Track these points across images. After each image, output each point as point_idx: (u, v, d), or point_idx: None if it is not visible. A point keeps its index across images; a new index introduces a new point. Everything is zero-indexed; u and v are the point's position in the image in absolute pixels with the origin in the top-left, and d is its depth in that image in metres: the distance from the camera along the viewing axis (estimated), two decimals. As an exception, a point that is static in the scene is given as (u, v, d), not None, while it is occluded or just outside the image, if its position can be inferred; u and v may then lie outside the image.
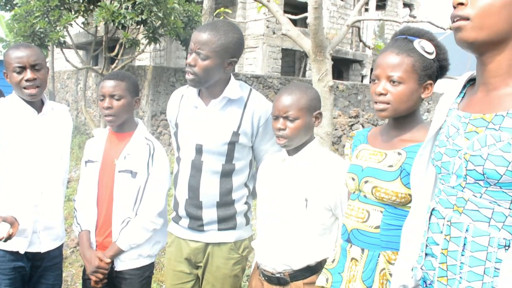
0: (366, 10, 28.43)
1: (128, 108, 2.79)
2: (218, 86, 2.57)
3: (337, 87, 18.32)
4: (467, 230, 1.51)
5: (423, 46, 1.97)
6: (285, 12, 5.21)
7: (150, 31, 12.19)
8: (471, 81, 1.71)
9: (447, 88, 1.76)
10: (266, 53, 22.45)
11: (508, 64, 1.52)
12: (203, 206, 2.61)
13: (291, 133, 2.30)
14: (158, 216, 2.76)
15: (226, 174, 2.60)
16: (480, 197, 1.50)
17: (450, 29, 1.89)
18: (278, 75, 21.14)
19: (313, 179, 2.31)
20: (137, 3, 11.14)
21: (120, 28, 11.85)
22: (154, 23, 11.93)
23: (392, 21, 5.31)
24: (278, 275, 2.38)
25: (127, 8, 11.37)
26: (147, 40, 12.59)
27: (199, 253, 2.69)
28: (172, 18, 11.93)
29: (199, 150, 2.59)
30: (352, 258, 2.07)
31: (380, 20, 6.05)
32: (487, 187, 1.48)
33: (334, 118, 9.84)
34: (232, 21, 6.75)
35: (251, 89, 2.68)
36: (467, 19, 1.49)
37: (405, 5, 31.06)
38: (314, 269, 2.33)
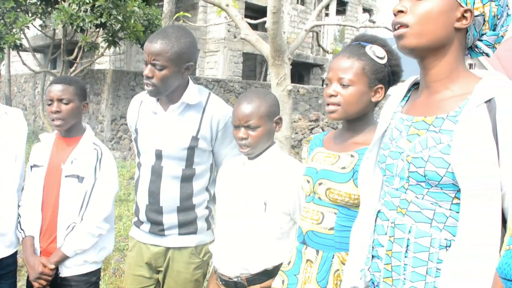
0: (327, 15, 28.75)
1: (77, 112, 2.78)
2: (176, 92, 2.57)
3: (298, 91, 18.46)
4: (410, 232, 1.55)
5: (374, 51, 2.03)
6: (246, 16, 5.26)
7: (110, 34, 12.08)
8: (416, 85, 1.77)
9: (393, 92, 1.82)
10: (227, 57, 22.46)
11: (449, 69, 1.59)
12: (164, 211, 2.61)
13: (253, 141, 2.32)
14: (104, 221, 2.75)
15: (187, 179, 2.60)
16: (422, 198, 1.54)
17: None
18: (239, 79, 21.18)
19: (272, 183, 2.34)
20: (96, 6, 11.03)
21: (78, 31, 11.71)
22: (113, 26, 11.82)
23: (349, 26, 5.39)
24: (236, 279, 2.38)
25: (86, 11, 11.24)
26: (107, 44, 12.47)
27: (159, 258, 2.68)
28: (132, 21, 11.84)
29: (158, 155, 2.59)
30: (307, 260, 2.10)
31: (337, 25, 6.15)
32: (428, 189, 1.53)
33: (294, 121, 9.91)
34: (193, 25, 6.76)
35: (209, 94, 2.69)
36: (407, 26, 1.55)
37: (365, 10, 31.56)
38: (271, 273, 2.34)
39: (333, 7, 28.56)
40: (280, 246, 2.35)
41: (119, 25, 11.81)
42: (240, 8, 22.29)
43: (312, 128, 9.68)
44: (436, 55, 1.58)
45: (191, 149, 2.56)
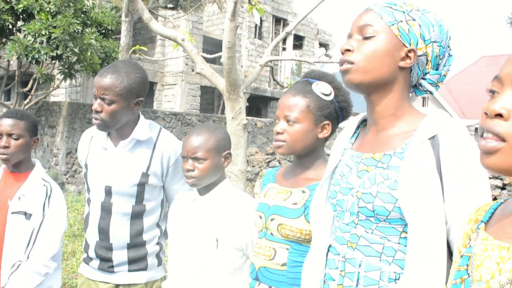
0: (284, 49, 29.18)
1: (26, 148, 2.73)
2: (127, 127, 2.56)
3: (256, 124, 18.58)
4: (360, 265, 1.57)
5: (320, 88, 2.06)
6: (204, 50, 5.28)
7: (66, 66, 11.97)
8: (364, 122, 1.81)
9: (344, 126, 1.86)
10: (185, 90, 22.49)
11: (395, 107, 1.64)
12: (114, 248, 2.56)
13: (199, 174, 2.31)
14: (51, 260, 2.68)
15: (137, 215, 2.57)
16: (372, 233, 1.56)
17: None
18: (197, 112, 21.21)
19: (224, 219, 2.33)
20: (52, 38, 10.94)
21: (34, 62, 11.56)
22: (70, 58, 11.73)
23: (304, 62, 5.48)
24: None
25: (41, 43, 11.14)
26: (63, 76, 12.34)
27: None
28: (89, 53, 11.78)
29: (108, 191, 2.56)
30: None
31: (292, 60, 6.23)
32: (377, 223, 1.55)
33: (251, 155, 9.93)
34: (150, 58, 6.76)
35: (160, 129, 2.69)
36: (353, 63, 1.60)
37: (321, 45, 32.20)
38: None
39: (290, 41, 29.04)
40: (233, 282, 2.33)
41: (76, 57, 11.74)
42: (198, 42, 22.50)
43: (269, 161, 9.72)
44: (382, 92, 1.63)
45: (141, 186, 2.54)
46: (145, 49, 6.22)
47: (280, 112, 2.08)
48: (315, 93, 2.05)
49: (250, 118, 19.26)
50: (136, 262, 2.59)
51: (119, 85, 2.41)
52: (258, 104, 27.62)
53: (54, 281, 2.78)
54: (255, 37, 27.51)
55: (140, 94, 2.51)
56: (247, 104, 23.37)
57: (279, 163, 9.68)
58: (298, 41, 30.65)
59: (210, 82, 4.74)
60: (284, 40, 28.65)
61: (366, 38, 1.60)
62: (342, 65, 1.63)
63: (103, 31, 13.44)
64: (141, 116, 2.64)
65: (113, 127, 2.50)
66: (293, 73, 32.77)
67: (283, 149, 2.07)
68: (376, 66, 1.58)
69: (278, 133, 2.07)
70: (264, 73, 25.14)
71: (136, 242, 2.58)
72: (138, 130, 2.56)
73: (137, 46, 6.06)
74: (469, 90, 36.09)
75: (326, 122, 2.07)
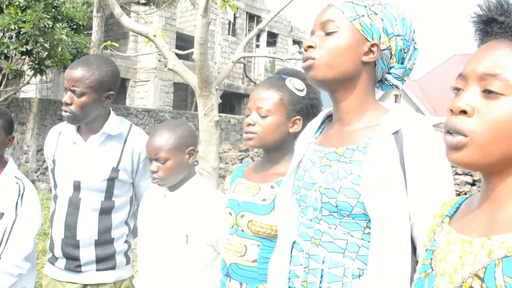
0: (258, 46, 29.20)
1: (1, 146, 2.66)
2: (97, 122, 2.53)
3: (229, 121, 18.55)
4: (323, 262, 1.56)
5: (294, 83, 2.07)
6: (177, 46, 5.24)
7: (36, 62, 11.79)
8: (330, 117, 1.82)
9: (309, 123, 1.87)
10: (158, 86, 22.36)
11: (359, 101, 1.64)
12: (81, 246, 2.52)
13: (164, 174, 2.31)
14: (24, 260, 2.60)
15: (105, 211, 2.54)
16: (335, 228, 1.56)
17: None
18: (170, 109, 21.10)
19: (194, 215, 2.32)
20: (22, 33, 10.77)
21: (3, 58, 11.36)
22: (40, 54, 11.56)
23: (277, 58, 5.48)
24: None
25: (10, 38, 10.95)
26: (33, 72, 12.16)
27: None
28: (60, 49, 11.63)
29: (77, 186, 2.52)
30: None
31: (264, 57, 6.24)
32: (341, 219, 1.54)
33: (224, 152, 9.92)
34: (122, 54, 6.71)
35: (131, 125, 2.67)
36: (315, 59, 1.60)
37: (295, 42, 32.29)
38: None
39: (263, 38, 29.07)
40: (204, 278, 2.33)
41: (46, 52, 11.58)
42: (171, 38, 22.37)
43: (242, 158, 9.72)
44: (346, 88, 1.63)
45: (111, 181, 2.52)
46: (117, 45, 6.18)
47: (252, 104, 2.08)
48: (288, 87, 2.06)
49: (223, 115, 19.24)
50: (104, 260, 2.56)
51: (90, 77, 2.40)
52: (231, 101, 27.59)
53: (28, 282, 2.71)
54: (228, 34, 27.46)
55: (111, 88, 2.50)
56: (221, 101, 23.36)
57: (252, 159, 9.69)
58: (272, 38, 30.69)
59: (182, 78, 4.72)
60: (258, 37, 28.69)
61: (328, 34, 1.60)
62: (305, 61, 1.63)
63: (74, 26, 13.29)
64: (112, 112, 2.62)
65: (83, 120, 2.48)
66: (266, 70, 32.82)
67: (254, 141, 2.07)
68: (339, 62, 1.58)
69: (249, 124, 2.06)
70: (238, 70, 25.13)
71: (104, 239, 2.54)
72: (109, 124, 2.54)
73: (109, 42, 6.01)
74: (441, 88, 36.54)
75: (297, 117, 2.08)
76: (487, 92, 1.04)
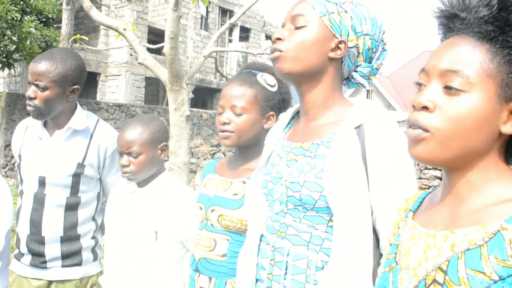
0: (230, 41, 29.14)
1: None
2: (63, 116, 2.50)
3: (201, 116, 18.50)
4: (288, 254, 1.58)
5: (266, 79, 2.07)
6: (149, 40, 5.20)
7: (4, 55, 11.58)
8: (298, 113, 1.83)
9: (279, 119, 1.88)
10: (129, 81, 22.16)
11: (324, 97, 1.66)
12: (46, 242, 2.49)
13: (135, 168, 2.29)
14: None
15: (71, 207, 2.51)
16: (300, 222, 1.58)
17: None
18: (142, 103, 20.95)
19: (163, 211, 2.31)
20: (-12, 26, 10.55)
21: (-32, 51, 11.14)
22: (8, 47, 11.37)
23: (249, 53, 5.48)
24: None
25: (-24, 31, 10.74)
26: (0, 65, 11.94)
27: None
28: (28, 42, 11.44)
29: (42, 182, 2.49)
30: (200, 287, 2.08)
31: (235, 51, 6.24)
32: (305, 212, 1.57)
33: (196, 147, 9.89)
34: (92, 48, 6.62)
35: (98, 120, 2.64)
36: (282, 51, 1.61)
37: (268, 37, 32.30)
38: None
39: (236, 33, 29.03)
40: (173, 274, 2.32)
41: (14, 46, 11.39)
42: (143, 32, 22.19)
43: (214, 153, 9.71)
44: (311, 82, 1.65)
45: (77, 176, 2.49)
46: (86, 38, 6.10)
47: (226, 102, 2.06)
48: (260, 84, 2.06)
49: (195, 109, 19.16)
50: (70, 257, 2.53)
51: (54, 71, 2.37)
52: (204, 96, 27.51)
53: (2, 281, 2.68)
54: (201, 28, 27.34)
55: (76, 82, 2.46)
56: (193, 95, 23.28)
57: (224, 154, 9.68)
58: (245, 33, 30.66)
59: (153, 72, 4.68)
60: (230, 32, 28.64)
61: (297, 28, 1.62)
62: (272, 53, 1.64)
63: (44, 19, 13.07)
64: (78, 106, 2.59)
65: (48, 115, 2.45)
66: (239, 65, 32.76)
67: (231, 140, 2.06)
68: (305, 55, 1.60)
69: (224, 123, 2.05)
70: (211, 65, 25.05)
71: (70, 236, 2.52)
72: (75, 119, 2.51)
73: (78, 36, 5.93)
74: (411, 84, 36.85)
75: (271, 112, 2.08)
76: (448, 89, 1.05)
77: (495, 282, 0.94)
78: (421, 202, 1.26)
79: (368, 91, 36.84)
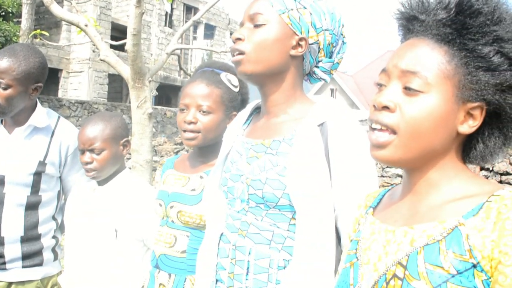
0: (195, 38, 29.03)
1: None
2: (23, 114, 2.45)
3: (165, 113, 18.38)
4: (249, 253, 1.56)
5: (230, 79, 2.07)
6: (112, 37, 5.13)
7: (-40, 50, 11.28)
8: (258, 109, 1.82)
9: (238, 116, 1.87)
10: (92, 78, 21.87)
11: (286, 94, 1.65)
12: (5, 242, 2.42)
13: (99, 165, 2.27)
14: None
15: (32, 206, 2.45)
16: (262, 220, 1.56)
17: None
18: (105, 100, 20.71)
19: (123, 209, 2.28)
20: None
21: None
22: (-36, 42, 11.07)
23: (213, 51, 5.46)
24: None
25: None
26: (-43, 61, 11.62)
27: None
28: (-14, 37, 11.16)
29: (1, 181, 2.42)
30: (160, 284, 2.06)
31: (199, 49, 6.22)
32: (267, 210, 1.55)
33: (160, 145, 9.82)
34: (54, 44, 6.50)
35: (59, 117, 2.60)
36: (244, 53, 1.59)
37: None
38: None
39: (201, 30, 28.95)
40: (133, 273, 2.29)
41: (-29, 41, 11.11)
42: (106, 29, 21.92)
43: (178, 151, 9.65)
44: (274, 81, 1.64)
45: (38, 175, 2.43)
46: (47, 34, 5.98)
47: (192, 101, 2.04)
48: (225, 84, 2.06)
49: (159, 107, 19.04)
50: (31, 257, 2.47)
51: (17, 69, 2.31)
52: (168, 94, 27.34)
53: None
54: (165, 25, 27.17)
55: (39, 80, 2.42)
56: (157, 93, 23.11)
57: (187, 152, 9.65)
58: (210, 31, 30.59)
59: (115, 69, 4.62)
60: (195, 29, 28.51)
61: (256, 27, 1.60)
62: (234, 55, 1.63)
63: (3, 13, 12.82)
64: (38, 103, 2.54)
65: (9, 114, 2.39)
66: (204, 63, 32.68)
67: (197, 140, 2.04)
68: (267, 56, 1.58)
69: (191, 122, 2.02)
70: (175, 62, 24.89)
71: (30, 236, 2.46)
72: (36, 116, 2.46)
73: (38, 31, 5.81)
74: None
75: (234, 112, 2.08)
76: (408, 89, 1.07)
77: (453, 276, 0.96)
78: (380, 199, 1.28)
79: (332, 90, 37.18)
